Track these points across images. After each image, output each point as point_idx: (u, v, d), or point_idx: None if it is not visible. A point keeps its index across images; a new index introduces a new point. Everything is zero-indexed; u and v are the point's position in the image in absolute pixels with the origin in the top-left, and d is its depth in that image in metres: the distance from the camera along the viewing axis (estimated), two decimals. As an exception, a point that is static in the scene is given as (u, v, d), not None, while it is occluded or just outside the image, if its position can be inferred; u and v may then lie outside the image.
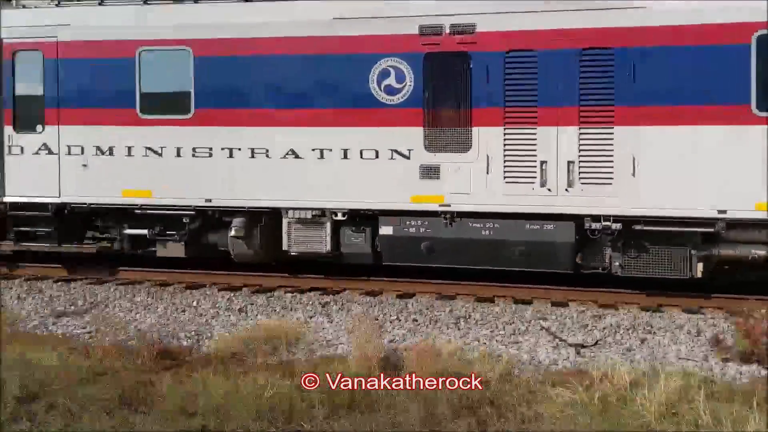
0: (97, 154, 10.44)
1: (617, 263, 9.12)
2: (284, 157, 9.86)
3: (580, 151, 8.96)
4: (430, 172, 9.42)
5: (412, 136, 9.45)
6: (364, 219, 9.87)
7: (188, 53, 10.10)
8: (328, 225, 9.86)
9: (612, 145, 8.85)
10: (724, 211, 8.56)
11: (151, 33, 10.27)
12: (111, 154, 10.41)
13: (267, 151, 9.91)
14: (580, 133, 8.94)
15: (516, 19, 9.10)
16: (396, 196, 9.54)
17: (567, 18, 8.92)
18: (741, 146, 8.50)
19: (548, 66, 8.97)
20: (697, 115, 8.65)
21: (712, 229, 8.69)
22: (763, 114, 8.44)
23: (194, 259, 10.86)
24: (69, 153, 10.56)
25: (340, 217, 9.82)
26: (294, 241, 9.99)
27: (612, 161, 8.85)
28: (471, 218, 9.36)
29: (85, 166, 10.50)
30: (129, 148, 10.34)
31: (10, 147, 10.81)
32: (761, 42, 8.37)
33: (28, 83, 10.78)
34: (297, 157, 9.82)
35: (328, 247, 9.88)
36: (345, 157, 9.67)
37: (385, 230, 9.67)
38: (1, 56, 10.77)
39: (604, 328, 8.24)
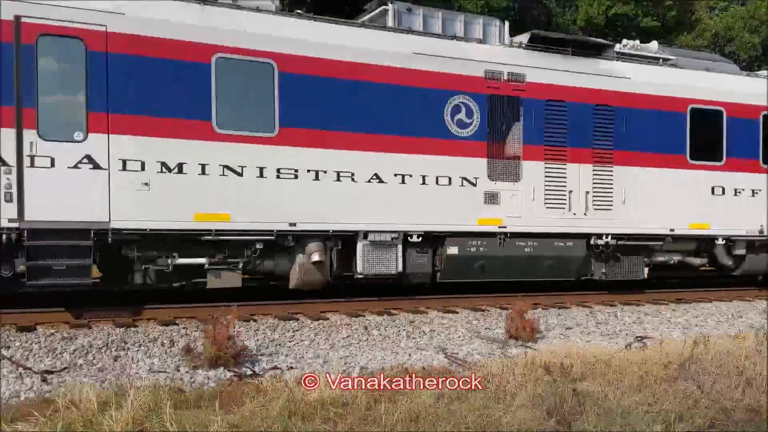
0: (162, 172, 9.09)
1: (602, 270, 12.18)
2: (369, 181, 10.30)
3: (593, 184, 11.83)
4: (492, 198, 11.10)
5: (478, 166, 11.01)
6: (426, 241, 10.78)
7: (272, 67, 9.71)
8: (399, 247, 10.54)
9: (612, 180, 11.98)
10: (673, 230, 12.43)
11: (231, 39, 9.48)
12: (180, 171, 9.19)
13: (353, 174, 10.19)
14: (593, 170, 11.85)
15: (554, 75, 11.53)
16: (465, 219, 10.90)
17: (586, 79, 11.78)
18: (682, 183, 12.47)
19: (574, 115, 11.62)
20: (661, 160, 12.32)
21: (662, 243, 12.48)
22: (695, 162, 12.61)
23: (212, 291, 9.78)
24: (124, 168, 8.90)
25: (414, 239, 10.62)
26: (368, 263, 10.34)
27: (612, 192, 11.96)
28: (517, 238, 11.27)
29: (146, 184, 9.01)
30: (203, 166, 9.31)
31: (32, 157, 8.46)
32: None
33: (61, 78, 8.75)
34: (381, 181, 10.38)
35: (400, 268, 10.56)
36: (423, 182, 10.65)
37: (452, 250, 10.83)
38: (19, 37, 8.41)
39: (75, 350, 7.60)
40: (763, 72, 14.54)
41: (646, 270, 12.49)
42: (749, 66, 22.28)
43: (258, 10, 9.85)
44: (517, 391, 6.33)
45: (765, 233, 13.16)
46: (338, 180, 10.11)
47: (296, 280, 10.11)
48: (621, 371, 7.05)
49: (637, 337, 9.26)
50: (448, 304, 11.11)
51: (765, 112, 13.22)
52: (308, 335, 8.86)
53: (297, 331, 9.04)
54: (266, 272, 10.31)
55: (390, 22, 10.96)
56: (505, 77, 11.18)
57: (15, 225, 8.38)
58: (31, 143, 8.46)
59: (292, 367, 7.36)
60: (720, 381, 6.83)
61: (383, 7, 11.12)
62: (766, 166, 13.28)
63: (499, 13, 20.06)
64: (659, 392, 6.48)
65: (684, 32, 23.97)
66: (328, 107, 10.02)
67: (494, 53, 11.28)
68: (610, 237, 11.89)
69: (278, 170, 9.74)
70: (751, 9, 24.98)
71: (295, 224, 9.85)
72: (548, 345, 8.51)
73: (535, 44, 11.58)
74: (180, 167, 9.21)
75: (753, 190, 13.11)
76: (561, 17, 22.93)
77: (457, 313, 10.63)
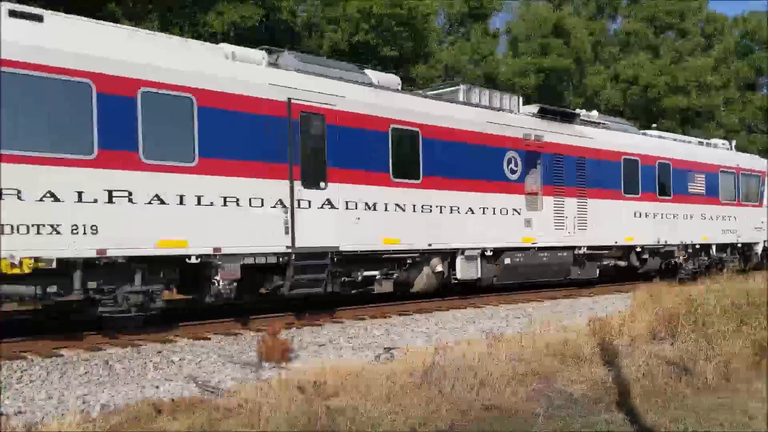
0: (366, 209, 12.47)
1: (578, 272, 17.11)
2: (466, 212, 14.31)
3: (577, 211, 16.76)
4: (528, 222, 15.59)
5: (521, 200, 15.52)
6: (492, 254, 14.83)
7: (418, 133, 13.51)
8: (479, 260, 14.49)
9: (586, 209, 17.03)
10: (616, 242, 17.77)
11: (398, 113, 13.18)
12: (374, 209, 12.62)
13: (458, 208, 14.16)
14: (577, 203, 16.81)
15: (556, 136, 16.45)
16: (516, 238, 15.29)
17: (570, 139, 16.81)
18: (620, 210, 17.99)
19: (567, 164, 16.61)
20: (610, 195, 17.66)
21: (609, 251, 17.94)
22: (626, 195, 18.18)
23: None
24: (347, 208, 12.18)
25: (488, 253, 14.68)
26: (463, 271, 14.22)
27: (586, 217, 17.01)
28: (539, 251, 15.80)
29: (358, 219, 12.34)
30: (385, 205, 12.83)
31: (299, 201, 11.45)
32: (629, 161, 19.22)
33: (312, 143, 11.81)
34: (473, 213, 14.43)
35: (479, 274, 14.53)
36: (493, 213, 14.82)
37: (507, 261, 15.05)
38: (290, 114, 11.40)
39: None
40: (654, 132, 21.98)
41: (597, 271, 17.84)
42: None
43: (411, 93, 15.84)
44: (271, 413, 6.24)
45: (660, 243, 19.03)
46: (451, 212, 14.01)
47: (422, 285, 13.91)
48: (371, 383, 7.30)
49: (385, 348, 9.70)
50: (197, 332, 10.73)
51: (660, 161, 19.37)
52: (39, 374, 7.95)
53: (25, 371, 8.07)
54: (403, 281, 13.76)
55: (461, 97, 15.19)
56: (533, 138, 15.85)
57: (289, 250, 11.28)
58: (298, 190, 11.45)
59: (21, 412, 6.53)
60: (458, 384, 7.38)
61: (459, 86, 15.54)
62: (731, 202, 21.74)
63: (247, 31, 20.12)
64: (405, 400, 6.82)
65: (419, 62, 25.99)
66: (450, 161, 14.03)
67: (526, 121, 16.04)
68: (585, 248, 16.83)
69: (422, 206, 13.50)
70: (475, 44, 27.93)
71: (431, 245, 13.62)
72: (302, 364, 8.57)
73: (543, 114, 16.53)
74: (374, 206, 12.67)
75: (654, 214, 18.97)
76: (307, 41, 23.55)
77: (209, 339, 10.30)
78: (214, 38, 18.13)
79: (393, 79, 14.16)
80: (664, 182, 19.28)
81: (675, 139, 21.58)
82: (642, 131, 21.57)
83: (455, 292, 15.55)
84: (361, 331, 11.33)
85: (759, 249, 22.96)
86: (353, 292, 13.04)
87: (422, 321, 12.51)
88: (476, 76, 27.35)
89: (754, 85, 48.09)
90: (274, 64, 11.94)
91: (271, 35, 21.38)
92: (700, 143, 22.46)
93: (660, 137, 21.01)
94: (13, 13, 8.89)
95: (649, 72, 37.12)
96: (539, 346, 8.92)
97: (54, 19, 9.38)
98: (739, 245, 22.26)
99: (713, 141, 23.83)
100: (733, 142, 25.11)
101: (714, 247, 21.06)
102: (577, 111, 18.38)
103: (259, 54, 11.71)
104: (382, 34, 23.61)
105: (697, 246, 20.32)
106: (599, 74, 37.86)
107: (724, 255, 21.54)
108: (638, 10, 42.99)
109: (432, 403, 6.83)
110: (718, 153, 22.32)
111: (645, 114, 37.70)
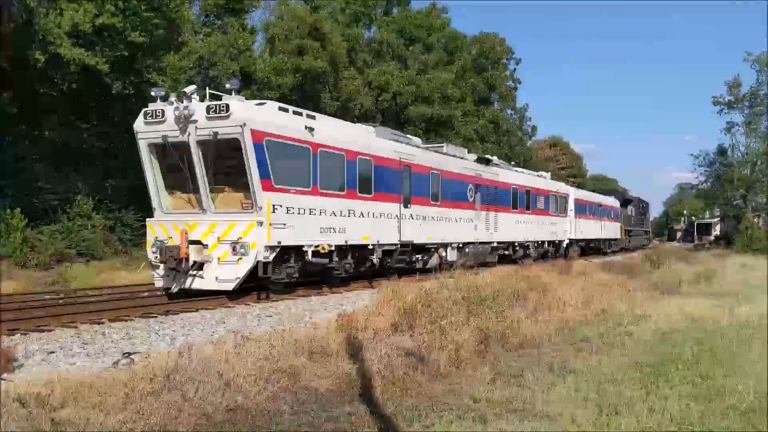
0: (424, 220, 21.05)
1: (491, 257, 25.82)
2: (455, 221, 22.94)
3: (494, 220, 26.13)
4: (475, 227, 24.47)
5: (473, 214, 24.37)
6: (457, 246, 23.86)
7: (440, 175, 21.95)
8: (456, 249, 23.12)
9: (497, 218, 26.25)
10: (514, 240, 28.64)
11: (431, 163, 21.55)
12: (426, 219, 21.03)
13: (452, 218, 22.67)
14: (494, 215, 26.07)
15: (486, 174, 25.76)
16: (470, 237, 24.14)
17: (491, 176, 26.23)
18: (516, 220, 28.54)
19: (490, 191, 25.67)
20: (506, 209, 27.23)
21: (506, 245, 27.84)
22: (513, 210, 28.44)
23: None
24: (417, 219, 20.47)
25: (460, 245, 23.31)
26: (450, 256, 22.47)
27: (497, 224, 26.28)
28: (480, 245, 24.95)
29: (420, 225, 20.73)
30: (430, 217, 21.31)
31: (402, 215, 19.76)
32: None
33: (406, 182, 20.00)
34: (456, 221, 23.05)
35: (455, 258, 22.48)
36: (462, 221, 23.56)
37: (467, 250, 23.66)
38: (400, 166, 19.61)
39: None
40: (521, 169, 33.93)
41: (497, 257, 26.61)
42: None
43: (434, 150, 23.59)
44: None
45: (524, 240, 29.19)
46: (449, 221, 22.49)
47: (434, 264, 21.10)
48: (106, 391, 6.78)
49: (124, 353, 9.07)
50: None
51: (527, 188, 29.85)
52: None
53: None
54: (425, 262, 21.44)
55: (445, 149, 24.18)
56: (476, 175, 24.84)
57: (398, 242, 19.53)
58: (402, 209, 19.84)
59: None
60: (203, 387, 7.14)
61: (445, 144, 25.43)
62: (554, 214, 33.26)
63: None
64: (145, 407, 6.43)
65: (171, 52, 24.85)
66: (439, 190, 21.87)
67: (473, 165, 25.24)
68: (495, 243, 26.08)
69: (437, 218, 21.61)
70: (231, 38, 27.43)
71: (443, 239, 22.21)
72: (27, 375, 7.69)
73: (479, 161, 26.00)
74: (426, 218, 21.23)
75: (523, 222, 29.10)
76: (44, 19, 21.27)
77: None
78: None
79: (417, 140, 23.57)
80: (528, 201, 29.76)
81: (530, 174, 32.96)
82: (515, 168, 32.34)
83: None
84: (98, 336, 10.48)
85: (565, 244, 35.56)
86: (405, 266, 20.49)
87: (168, 323, 11.93)
88: (232, 71, 26.90)
89: (487, 99, 53.52)
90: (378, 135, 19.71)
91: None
92: (539, 176, 34.20)
93: (523, 172, 32.12)
94: (310, 116, 16.41)
95: (398, 81, 39.49)
96: (288, 344, 8.96)
97: (320, 118, 17.26)
98: (557, 242, 34.14)
99: (541, 173, 35.80)
100: (548, 174, 37.50)
101: (546, 243, 32.49)
102: (488, 156, 27.69)
103: (387, 131, 20.93)
104: (131, 18, 22.17)
105: (540, 242, 31.60)
106: (354, 79, 39.43)
107: (551, 248, 33.16)
108: (391, 21, 45.54)
109: (174, 408, 6.53)
110: (548, 182, 34.41)
111: (395, 120, 40.04)
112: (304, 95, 32.35)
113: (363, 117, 41.66)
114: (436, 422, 6.90)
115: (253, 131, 13.80)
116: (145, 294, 15.62)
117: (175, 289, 14.24)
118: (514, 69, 55.80)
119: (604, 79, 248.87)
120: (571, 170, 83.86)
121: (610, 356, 10.19)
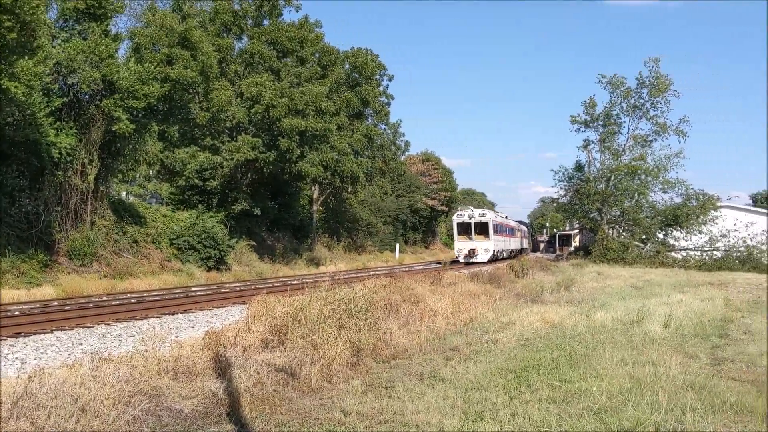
0: (503, 243, 59.42)
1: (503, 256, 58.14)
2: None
3: (503, 239, 59.35)
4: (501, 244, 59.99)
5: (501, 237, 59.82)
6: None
7: (501, 224, 61.34)
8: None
9: (504, 239, 59.74)
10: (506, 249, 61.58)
11: (497, 218, 59.62)
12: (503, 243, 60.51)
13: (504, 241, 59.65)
14: (503, 238, 59.23)
15: (497, 219, 57.07)
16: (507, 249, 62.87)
17: (495, 217, 56.74)
18: (508, 239, 63.43)
19: (502, 227, 59.30)
20: (507, 235, 63.23)
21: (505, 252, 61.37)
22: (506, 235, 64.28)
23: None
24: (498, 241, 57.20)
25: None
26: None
27: (504, 241, 59.94)
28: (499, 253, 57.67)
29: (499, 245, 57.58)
30: (501, 241, 58.32)
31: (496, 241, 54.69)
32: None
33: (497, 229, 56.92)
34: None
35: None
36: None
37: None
38: (490, 223, 52.64)
39: None
40: (506, 213, 71.12)
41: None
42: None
43: (496, 212, 64.64)
44: None
45: (505, 249, 59.24)
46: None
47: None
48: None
49: (-34, 381, 8.35)
50: None
51: (506, 225, 62.70)
52: None
53: None
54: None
55: (496, 208, 76.42)
56: (496, 218, 57.09)
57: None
58: (495, 239, 55.08)
59: None
60: (55, 413, 6.66)
61: (491, 209, 70.80)
62: (505, 235, 62.49)
63: None
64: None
65: (26, 56, 23.21)
66: (503, 231, 59.04)
67: (497, 215, 60.14)
68: (506, 252, 58.81)
69: (502, 241, 58.93)
70: (92, 44, 26.04)
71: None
72: None
73: (495, 212, 61.91)
74: (503, 242, 61.66)
75: (504, 240, 59.76)
76: None
77: None
78: None
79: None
80: (507, 231, 58.69)
81: (508, 218, 66.05)
82: (498, 213, 61.67)
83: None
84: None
85: (521, 251, 64.66)
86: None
87: (18, 346, 11.07)
88: (93, 78, 25.53)
89: (361, 114, 54.14)
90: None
91: None
92: (519, 222, 73.95)
93: (505, 216, 63.35)
94: (482, 215, 53.88)
95: (271, 93, 39.05)
96: (151, 365, 8.55)
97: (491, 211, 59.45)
98: (518, 250, 63.71)
99: (518, 219, 73.70)
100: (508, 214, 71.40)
101: (513, 251, 59.64)
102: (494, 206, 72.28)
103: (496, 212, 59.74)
104: (-20, 19, 20.47)
105: (511, 250, 59.81)
106: (225, 90, 38.57)
107: (513, 253, 59.69)
108: (262, 32, 45.05)
109: (20, 438, 6.03)
110: (514, 222, 69.68)
111: (267, 132, 39.54)
112: (173, 105, 31.21)
113: (235, 129, 40.87)
114: (306, 438, 6.80)
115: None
116: (-7, 316, 14.43)
117: None
118: (387, 85, 56.89)
119: (478, 100, 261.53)
120: (443, 184, 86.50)
121: (477, 363, 10.50)
